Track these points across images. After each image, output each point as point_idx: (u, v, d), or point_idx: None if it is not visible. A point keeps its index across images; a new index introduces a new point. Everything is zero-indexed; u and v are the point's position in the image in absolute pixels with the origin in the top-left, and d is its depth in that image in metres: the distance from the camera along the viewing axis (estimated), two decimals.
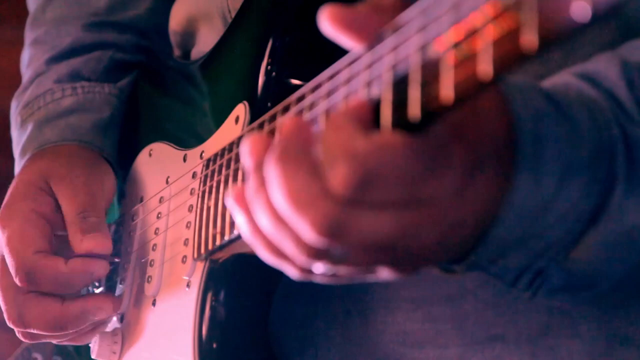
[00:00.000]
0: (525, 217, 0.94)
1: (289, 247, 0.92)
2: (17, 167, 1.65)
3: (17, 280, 1.47)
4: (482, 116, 0.91)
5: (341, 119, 0.89)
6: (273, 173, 0.90)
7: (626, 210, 0.97)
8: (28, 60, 1.76)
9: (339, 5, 0.93)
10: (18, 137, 1.68)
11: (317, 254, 0.91)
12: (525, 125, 0.92)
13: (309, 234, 0.88)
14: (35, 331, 1.49)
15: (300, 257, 0.92)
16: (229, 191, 1.03)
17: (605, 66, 1.04)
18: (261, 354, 1.31)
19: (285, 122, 0.94)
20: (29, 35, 1.78)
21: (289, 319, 1.35)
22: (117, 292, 1.55)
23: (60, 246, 1.50)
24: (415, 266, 0.96)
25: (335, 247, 0.90)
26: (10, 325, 1.50)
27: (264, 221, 0.93)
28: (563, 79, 1.04)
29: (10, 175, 1.65)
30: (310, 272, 0.96)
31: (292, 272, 0.97)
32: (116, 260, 1.56)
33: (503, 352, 1.26)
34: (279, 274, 1.29)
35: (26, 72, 1.75)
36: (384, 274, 0.96)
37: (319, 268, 0.93)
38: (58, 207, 1.52)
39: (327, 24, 0.93)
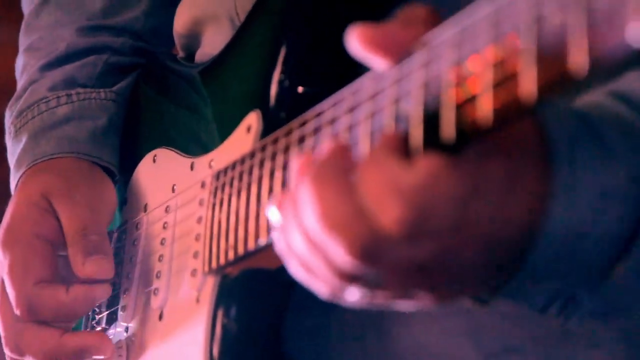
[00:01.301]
0: (560, 244, 0.92)
1: (322, 271, 0.91)
2: (13, 179, 1.62)
3: (17, 312, 1.45)
4: (516, 142, 0.88)
5: (381, 154, 0.87)
6: (307, 193, 0.88)
7: None
8: (22, 67, 1.72)
9: (368, 25, 0.89)
10: (12, 147, 1.65)
11: (350, 277, 0.89)
12: (561, 149, 0.90)
13: (343, 257, 0.87)
14: None
15: (333, 280, 0.90)
16: (268, 200, 1.02)
17: (639, 84, 1.01)
18: None
19: (324, 144, 0.92)
20: (23, 40, 1.75)
21: (302, 332, 1.32)
22: (121, 303, 1.52)
23: (64, 265, 1.48)
24: (453, 291, 0.94)
25: (370, 271, 0.88)
26: (7, 352, 1.49)
27: (298, 242, 0.91)
28: (596, 99, 1.00)
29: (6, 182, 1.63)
30: (342, 293, 0.93)
31: (323, 293, 0.95)
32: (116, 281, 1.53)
33: None
34: (291, 289, 1.27)
35: (20, 80, 1.72)
36: (422, 301, 0.93)
37: (353, 292, 0.91)
38: (61, 226, 1.50)
39: (357, 44, 0.90)
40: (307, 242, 0.90)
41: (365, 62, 0.92)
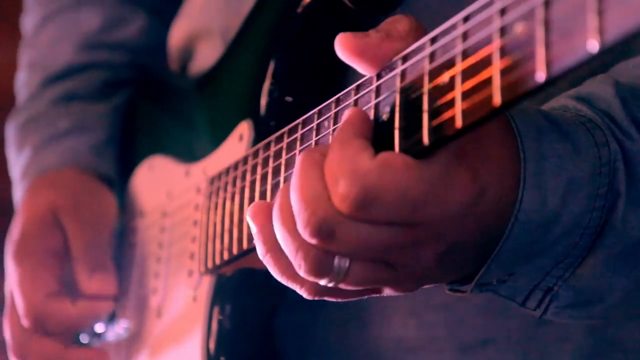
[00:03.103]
0: (531, 231, 0.96)
1: (291, 255, 0.95)
2: (17, 191, 1.68)
3: (25, 323, 1.52)
4: (485, 139, 0.93)
5: (347, 134, 0.92)
6: (296, 164, 0.94)
7: (629, 224, 1.00)
8: (23, 82, 1.77)
9: (351, 34, 0.96)
10: (15, 160, 1.70)
11: (318, 265, 0.94)
12: (529, 143, 0.95)
13: (304, 232, 0.92)
14: None
15: (302, 266, 0.95)
16: (249, 206, 1.06)
17: (599, 87, 1.07)
18: None
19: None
20: (24, 56, 1.80)
21: (289, 328, 1.38)
22: (120, 303, 1.58)
23: (68, 282, 1.54)
24: (416, 284, 0.99)
25: (326, 249, 0.92)
26: (12, 358, 1.55)
27: (278, 228, 0.96)
28: (560, 102, 1.06)
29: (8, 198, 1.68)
30: (318, 290, 0.99)
31: (303, 292, 1.00)
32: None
33: (496, 356, 1.30)
34: (282, 287, 1.32)
35: (21, 95, 1.77)
36: (387, 291, 0.98)
37: (322, 282, 0.96)
38: (67, 239, 1.56)
39: (341, 51, 0.96)
40: (282, 223, 0.95)
41: (352, 65, 0.98)
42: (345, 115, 0.96)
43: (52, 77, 1.73)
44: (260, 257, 1.01)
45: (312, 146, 1.06)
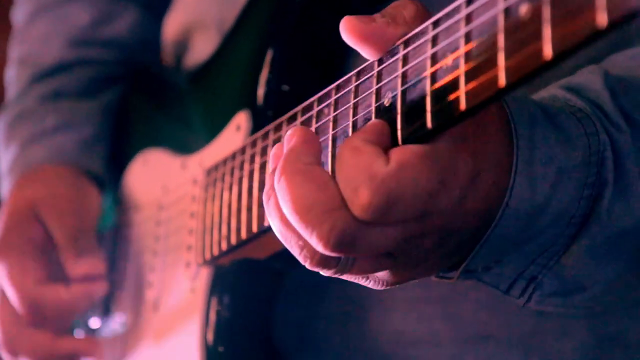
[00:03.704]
0: (521, 219, 0.96)
1: (296, 253, 0.95)
2: (4, 186, 1.68)
3: (21, 312, 1.52)
4: (483, 123, 0.93)
5: (359, 141, 0.92)
6: (280, 184, 0.92)
7: (615, 214, 1.00)
8: (12, 78, 1.77)
9: (356, 17, 0.95)
10: (3, 155, 1.70)
11: (324, 263, 0.94)
12: (522, 131, 0.95)
13: (319, 246, 0.90)
14: None
15: (306, 263, 0.95)
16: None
17: (589, 78, 1.07)
18: (266, 354, 1.33)
19: (291, 131, 0.96)
20: (13, 51, 1.79)
21: (289, 320, 1.37)
22: (115, 298, 1.57)
23: (56, 271, 1.54)
24: (412, 273, 0.98)
25: (343, 257, 0.92)
26: (3, 352, 1.55)
27: (275, 225, 0.95)
28: (550, 92, 1.07)
29: None
30: (315, 260, 0.96)
31: (301, 257, 0.97)
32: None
33: (495, 351, 1.30)
34: (282, 278, 1.32)
35: (11, 90, 1.76)
36: (383, 280, 0.98)
37: (326, 274, 0.96)
38: (48, 233, 1.56)
39: (345, 34, 0.96)
40: (283, 227, 0.94)
41: (357, 49, 0.97)
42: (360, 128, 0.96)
43: (41, 73, 1.72)
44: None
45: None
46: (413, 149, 0.89)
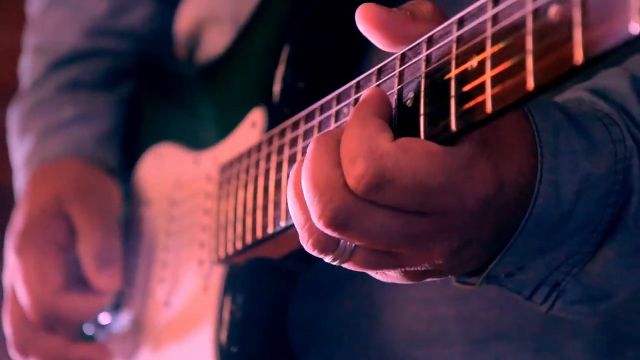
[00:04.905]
0: (545, 227, 0.94)
1: (299, 228, 0.93)
2: (18, 178, 1.66)
3: (32, 318, 1.50)
4: (506, 132, 0.92)
5: (365, 112, 0.90)
6: (308, 149, 0.92)
7: None
8: (28, 66, 1.75)
9: (374, 5, 0.93)
10: (17, 146, 1.68)
11: (323, 244, 0.92)
12: (546, 138, 0.93)
13: (317, 221, 0.89)
14: None
15: (308, 242, 0.93)
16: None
17: (615, 81, 1.05)
18: (281, 356, 1.32)
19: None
20: (29, 40, 1.78)
21: (299, 319, 1.36)
22: (125, 294, 1.56)
23: (73, 270, 1.54)
24: (424, 274, 0.96)
25: (339, 238, 0.90)
26: (13, 352, 1.53)
27: (290, 188, 0.94)
28: (576, 95, 1.05)
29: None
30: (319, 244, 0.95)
31: (309, 244, 0.96)
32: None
33: (508, 351, 1.29)
34: (296, 278, 1.31)
35: (25, 79, 1.75)
36: (391, 276, 0.96)
37: (327, 259, 0.94)
38: (72, 230, 1.54)
39: (362, 21, 0.94)
40: (295, 198, 0.93)
41: (368, 37, 0.95)
42: (364, 95, 0.94)
43: (57, 62, 1.71)
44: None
45: None
46: (425, 143, 0.88)
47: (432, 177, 0.87)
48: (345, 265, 0.94)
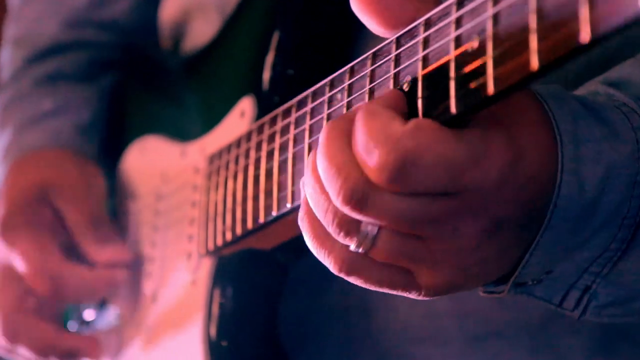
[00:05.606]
0: (570, 220, 0.92)
1: (322, 213, 0.91)
2: None
3: (39, 288, 1.46)
4: (516, 108, 0.89)
5: (375, 106, 0.87)
6: (321, 135, 0.90)
7: None
8: (7, 58, 1.73)
9: None
10: None
11: (346, 226, 0.89)
12: (565, 127, 0.91)
13: (336, 199, 0.87)
14: (22, 351, 1.49)
15: (331, 226, 0.90)
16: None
17: (629, 72, 1.03)
18: (271, 349, 1.30)
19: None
20: (9, 31, 1.75)
21: (290, 314, 1.34)
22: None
23: (70, 256, 1.50)
24: (453, 271, 0.92)
25: (361, 217, 0.88)
26: (2, 339, 1.50)
27: (308, 181, 0.92)
28: (589, 89, 1.03)
29: None
30: (345, 262, 0.92)
31: (332, 264, 0.93)
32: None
33: (503, 348, 1.27)
34: (286, 270, 1.29)
35: (5, 71, 1.72)
36: (423, 279, 0.92)
37: (351, 245, 0.90)
38: (57, 217, 1.51)
39: (357, 2, 0.91)
40: (314, 182, 0.91)
41: (362, 21, 0.92)
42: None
43: (36, 54, 1.68)
44: (299, 217, 0.95)
45: (324, 120, 1.02)
46: (432, 123, 0.85)
47: (452, 152, 0.84)
48: (372, 254, 0.90)
